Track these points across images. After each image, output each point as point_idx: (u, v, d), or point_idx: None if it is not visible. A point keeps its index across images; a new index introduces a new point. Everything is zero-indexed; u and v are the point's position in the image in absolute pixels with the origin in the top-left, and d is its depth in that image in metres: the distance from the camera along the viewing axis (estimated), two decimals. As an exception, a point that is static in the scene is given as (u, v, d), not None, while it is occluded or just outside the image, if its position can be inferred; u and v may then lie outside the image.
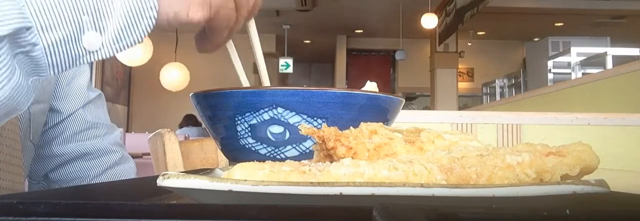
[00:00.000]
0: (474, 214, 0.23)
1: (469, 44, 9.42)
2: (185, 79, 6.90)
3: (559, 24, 8.47)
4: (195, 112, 0.60)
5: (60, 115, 0.86)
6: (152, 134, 1.56)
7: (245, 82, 0.62)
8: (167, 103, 8.28)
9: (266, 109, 0.52)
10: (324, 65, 11.60)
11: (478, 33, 9.35)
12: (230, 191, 0.29)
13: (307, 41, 10.10)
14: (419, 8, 7.07)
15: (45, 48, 0.41)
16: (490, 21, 8.15)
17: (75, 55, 0.42)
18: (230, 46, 0.59)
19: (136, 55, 5.66)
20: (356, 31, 9.55)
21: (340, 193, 0.28)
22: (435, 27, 7.26)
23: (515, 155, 0.34)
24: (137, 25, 0.43)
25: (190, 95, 0.58)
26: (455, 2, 7.06)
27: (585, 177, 0.35)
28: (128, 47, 0.45)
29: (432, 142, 0.41)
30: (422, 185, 0.29)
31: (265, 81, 0.63)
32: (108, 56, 0.44)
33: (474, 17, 6.49)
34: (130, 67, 7.99)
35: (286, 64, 8.93)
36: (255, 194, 0.29)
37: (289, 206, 0.26)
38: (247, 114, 0.53)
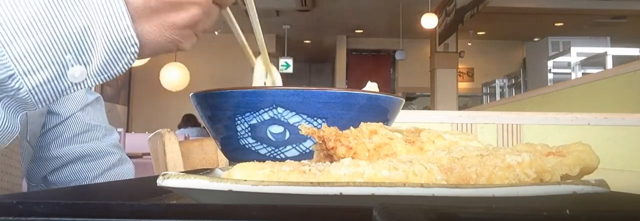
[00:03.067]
0: (473, 214, 0.23)
1: (469, 44, 9.41)
2: (185, 79, 6.90)
3: (559, 24, 8.47)
4: (195, 112, 0.60)
5: (58, 117, 0.86)
6: (152, 134, 1.56)
7: (248, 50, 0.62)
8: (167, 103, 8.28)
9: (266, 109, 0.52)
10: (324, 65, 11.60)
11: (478, 33, 9.35)
12: (230, 191, 0.29)
13: (307, 41, 10.09)
14: (419, 8, 7.07)
15: (30, 89, 0.40)
16: (490, 21, 8.15)
17: (62, 88, 0.42)
18: (228, 16, 0.58)
19: (136, 55, 5.64)
20: (356, 31, 9.54)
21: (340, 193, 0.28)
22: (435, 27, 7.26)
23: (515, 155, 0.34)
24: (119, 59, 0.44)
25: (190, 95, 0.58)
26: (455, 2, 7.06)
27: (585, 177, 0.35)
28: (113, 77, 0.45)
29: (432, 142, 0.41)
30: (422, 185, 0.29)
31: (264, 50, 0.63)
32: (93, 85, 0.44)
33: (474, 17, 6.49)
34: (131, 67, 7.99)
35: (286, 64, 8.92)
36: (255, 194, 0.29)
37: (289, 206, 0.25)
38: (247, 114, 0.53)
